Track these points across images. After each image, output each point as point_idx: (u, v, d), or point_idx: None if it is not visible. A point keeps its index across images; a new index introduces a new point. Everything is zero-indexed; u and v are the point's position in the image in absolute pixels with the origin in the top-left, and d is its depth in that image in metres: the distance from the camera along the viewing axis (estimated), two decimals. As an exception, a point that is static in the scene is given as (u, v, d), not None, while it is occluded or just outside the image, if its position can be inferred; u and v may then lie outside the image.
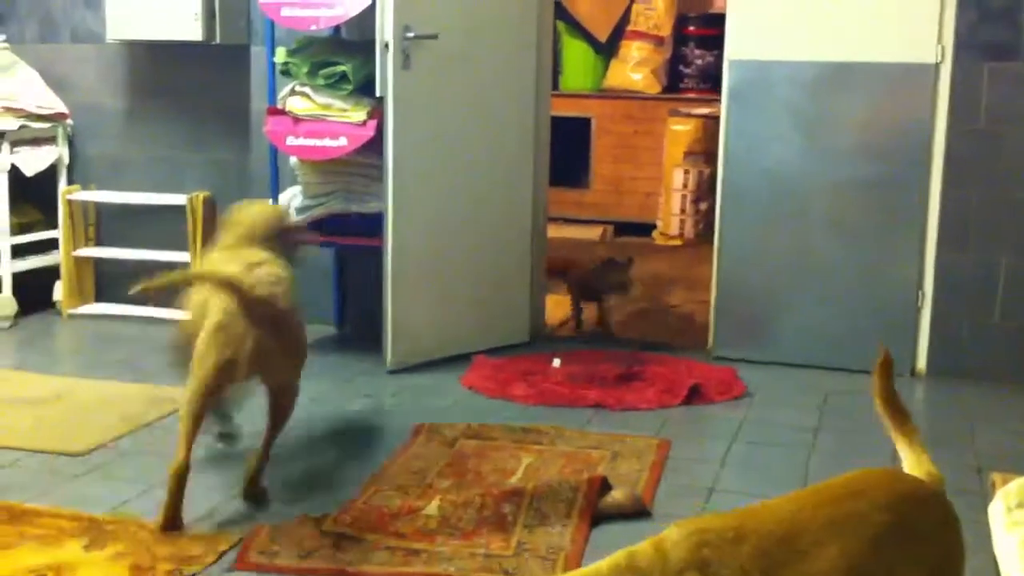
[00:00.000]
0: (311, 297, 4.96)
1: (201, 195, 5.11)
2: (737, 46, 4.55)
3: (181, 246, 5.12)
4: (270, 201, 4.51)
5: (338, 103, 4.43)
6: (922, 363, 4.48)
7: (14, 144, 5.03)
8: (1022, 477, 3.02)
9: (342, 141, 4.38)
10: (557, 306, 5.34)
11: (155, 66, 5.19)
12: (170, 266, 5.09)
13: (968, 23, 4.28)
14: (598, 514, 3.08)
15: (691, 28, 7.71)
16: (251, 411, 3.49)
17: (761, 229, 4.54)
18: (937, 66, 4.34)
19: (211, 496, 3.20)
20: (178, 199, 5.10)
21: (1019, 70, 4.26)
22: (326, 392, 4.19)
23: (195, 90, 5.16)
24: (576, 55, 7.86)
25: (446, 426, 3.79)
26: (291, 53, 4.51)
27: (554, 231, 5.54)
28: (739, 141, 4.58)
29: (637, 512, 3.12)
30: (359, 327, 4.97)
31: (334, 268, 5.01)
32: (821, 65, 4.46)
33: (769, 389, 4.29)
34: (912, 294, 4.41)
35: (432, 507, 3.02)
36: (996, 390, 4.30)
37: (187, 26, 4.86)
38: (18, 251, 5.18)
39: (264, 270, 3.12)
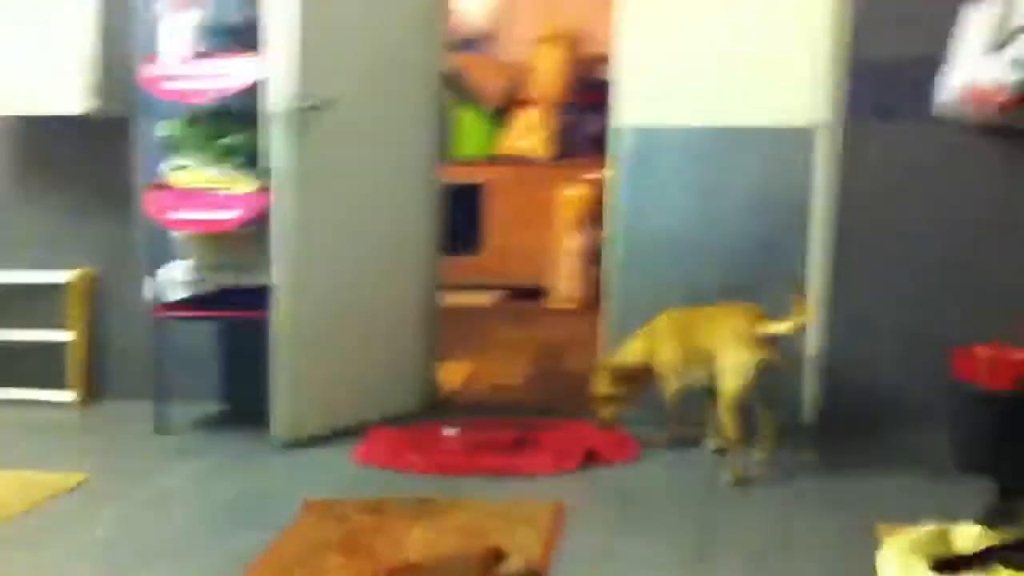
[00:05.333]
0: (195, 374, 4.87)
1: (83, 271, 4.96)
2: (623, 113, 4.61)
3: (61, 325, 4.96)
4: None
5: (226, 175, 4.36)
6: (812, 416, 4.54)
7: None
8: (910, 528, 3.07)
9: (229, 213, 4.31)
10: (452, 373, 5.31)
11: (35, 140, 5.05)
12: (49, 348, 4.96)
13: (851, 86, 4.40)
14: (493, 586, 3.03)
15: (581, 95, 7.83)
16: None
17: (652, 292, 4.55)
18: (822, 128, 4.45)
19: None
20: (58, 276, 4.95)
21: (901, 130, 4.38)
22: (212, 471, 4.07)
23: (77, 164, 5.03)
24: (468, 121, 7.92)
25: (337, 502, 3.69)
26: (178, 125, 4.43)
27: (448, 298, 5.50)
28: (628, 206, 4.62)
29: (533, 581, 3.08)
30: (247, 403, 4.83)
31: (221, 343, 4.89)
32: (709, 130, 4.53)
33: (663, 451, 4.29)
34: (800, 349, 4.48)
35: (321, 587, 2.93)
36: (884, 441, 4.37)
37: (69, 99, 4.75)
38: None
39: None
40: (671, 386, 4.26)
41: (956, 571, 2.75)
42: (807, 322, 3.97)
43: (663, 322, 4.27)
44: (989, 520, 2.93)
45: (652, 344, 4.27)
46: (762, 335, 3.92)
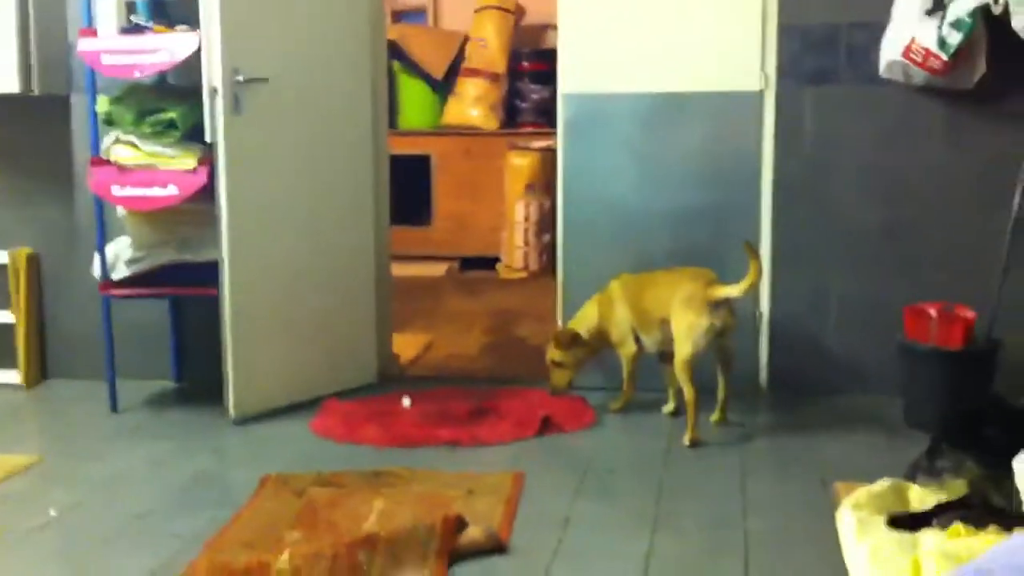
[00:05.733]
0: (145, 352, 4.81)
1: (24, 252, 4.87)
2: (569, 80, 4.60)
3: (3, 306, 4.86)
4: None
5: (166, 151, 4.28)
6: (764, 380, 4.59)
7: None
8: (867, 486, 3.12)
9: (172, 189, 4.24)
10: (407, 345, 5.30)
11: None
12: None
13: (790, 51, 4.42)
14: (455, 553, 3.03)
15: (525, 64, 7.81)
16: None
17: (603, 259, 4.57)
18: (762, 93, 4.48)
19: (47, 567, 3.03)
20: (-1, 257, 4.86)
21: (839, 94, 4.42)
22: (168, 449, 4.02)
23: (14, 143, 4.91)
24: (413, 93, 7.86)
25: (295, 476, 3.67)
26: (114, 101, 4.34)
27: (399, 269, 5.49)
28: (576, 174, 4.62)
29: (494, 548, 3.08)
30: (199, 380, 4.77)
31: (170, 320, 4.82)
32: (652, 96, 4.55)
33: (619, 416, 4.32)
34: (750, 314, 4.52)
35: (282, 561, 2.91)
36: (835, 403, 4.43)
37: (3, 77, 4.63)
38: None
39: None
40: (626, 351, 4.28)
41: (913, 527, 2.80)
42: (758, 284, 4.01)
43: (616, 288, 4.29)
44: (911, 475, 2.98)
45: (605, 310, 4.29)
46: (714, 299, 3.95)
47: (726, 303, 3.99)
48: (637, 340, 4.25)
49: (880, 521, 2.85)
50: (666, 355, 4.18)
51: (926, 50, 4.13)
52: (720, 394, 4.14)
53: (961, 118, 4.36)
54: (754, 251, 3.95)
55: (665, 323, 4.09)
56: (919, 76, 4.24)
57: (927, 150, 4.41)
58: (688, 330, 3.97)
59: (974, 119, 4.36)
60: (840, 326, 4.52)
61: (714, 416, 4.14)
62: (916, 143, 4.41)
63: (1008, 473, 2.83)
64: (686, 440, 3.95)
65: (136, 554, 3.11)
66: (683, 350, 3.98)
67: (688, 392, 3.96)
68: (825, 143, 4.46)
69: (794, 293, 4.53)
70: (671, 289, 4.07)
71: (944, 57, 4.11)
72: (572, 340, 4.34)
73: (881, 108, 4.41)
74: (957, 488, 2.98)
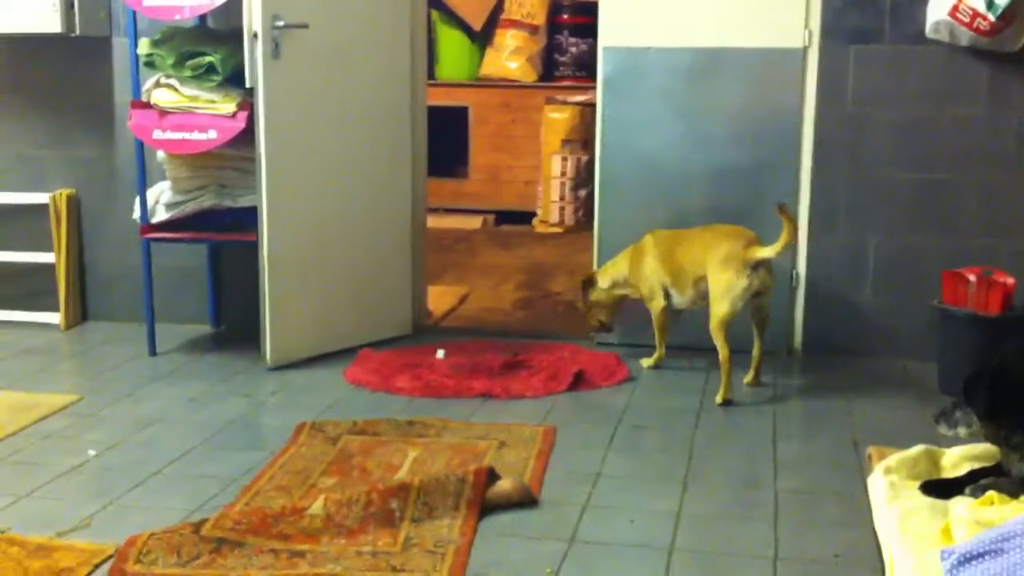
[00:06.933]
0: (185, 296, 4.86)
1: (65, 193, 4.91)
2: (610, 33, 4.56)
3: (45, 247, 4.91)
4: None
5: (206, 95, 4.30)
6: (798, 341, 4.57)
7: None
8: (901, 451, 3.11)
9: (212, 134, 4.25)
10: (442, 297, 5.31)
11: (11, 60, 4.95)
12: (32, 270, 4.93)
13: (833, 8, 4.37)
14: (486, 505, 3.05)
15: (564, 16, 7.75)
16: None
17: (639, 215, 4.55)
18: (805, 50, 4.42)
19: (84, 506, 3.07)
20: (40, 198, 4.89)
21: (883, 53, 4.37)
22: (204, 393, 4.07)
23: (55, 84, 4.94)
24: (451, 44, 7.82)
25: (329, 423, 3.71)
26: (155, 44, 4.36)
27: (434, 221, 5.50)
28: (615, 128, 4.60)
29: (525, 501, 3.10)
30: (236, 325, 4.84)
31: (208, 265, 4.86)
32: (693, 51, 4.50)
33: (652, 373, 4.33)
34: (786, 275, 4.50)
35: (316, 506, 2.95)
36: (869, 366, 4.41)
37: (45, 17, 4.65)
38: None
39: None
40: (655, 305, 4.28)
41: (945, 495, 2.79)
42: (791, 245, 3.99)
43: (648, 242, 4.28)
44: (937, 419, 2.98)
45: (636, 263, 4.30)
46: (753, 259, 3.94)
47: (765, 263, 3.97)
48: (666, 296, 4.25)
49: (912, 486, 2.85)
50: (679, 313, 4.27)
51: (973, 10, 4.07)
52: (754, 354, 4.13)
53: (1005, 81, 4.30)
54: (787, 213, 3.92)
55: (700, 281, 4.08)
56: (965, 37, 4.18)
57: (970, 112, 4.35)
58: (726, 290, 3.96)
59: (1018, 82, 4.29)
60: (877, 288, 4.50)
61: (747, 377, 4.14)
62: (959, 105, 4.35)
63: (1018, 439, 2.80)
64: (718, 399, 3.96)
65: (173, 495, 3.16)
66: (720, 310, 3.97)
67: (722, 352, 3.96)
68: (867, 103, 4.41)
69: (831, 254, 4.50)
70: (709, 247, 4.06)
71: (991, 18, 4.04)
72: (588, 282, 4.43)
73: (925, 68, 4.34)
74: (980, 452, 2.97)
